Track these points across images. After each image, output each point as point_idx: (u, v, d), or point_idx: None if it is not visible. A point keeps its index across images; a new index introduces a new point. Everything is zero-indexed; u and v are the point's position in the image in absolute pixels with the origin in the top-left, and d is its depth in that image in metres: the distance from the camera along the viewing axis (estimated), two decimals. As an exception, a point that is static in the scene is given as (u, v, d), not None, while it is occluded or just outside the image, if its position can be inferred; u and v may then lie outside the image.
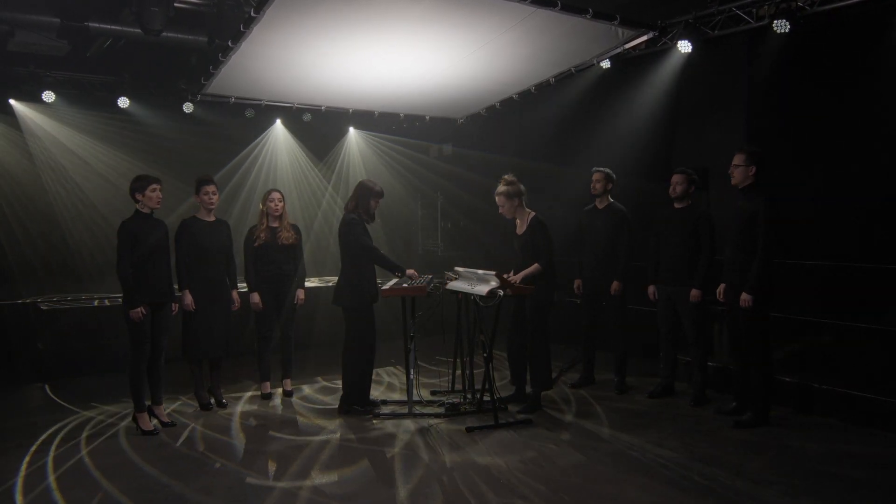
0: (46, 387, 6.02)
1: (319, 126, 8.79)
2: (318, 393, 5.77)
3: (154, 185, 4.67)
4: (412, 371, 5.02)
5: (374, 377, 5.29)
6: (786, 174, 5.27)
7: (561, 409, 5.17)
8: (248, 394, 5.74)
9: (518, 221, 5.18)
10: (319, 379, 6.21)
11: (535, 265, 4.94)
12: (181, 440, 4.55)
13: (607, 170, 5.63)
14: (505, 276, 4.78)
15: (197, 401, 5.29)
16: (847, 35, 5.01)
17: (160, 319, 4.72)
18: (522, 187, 5.08)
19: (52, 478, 3.91)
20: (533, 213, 5.10)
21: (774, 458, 4.06)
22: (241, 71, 6.48)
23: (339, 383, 5.97)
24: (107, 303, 6.80)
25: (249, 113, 8.00)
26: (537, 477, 3.83)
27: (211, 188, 5.17)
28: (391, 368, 6.48)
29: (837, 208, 5.04)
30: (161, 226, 4.80)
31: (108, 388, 5.81)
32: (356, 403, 5.06)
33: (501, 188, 5.07)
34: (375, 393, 5.39)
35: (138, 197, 4.66)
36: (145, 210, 4.68)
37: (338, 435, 4.63)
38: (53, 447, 4.43)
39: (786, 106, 5.38)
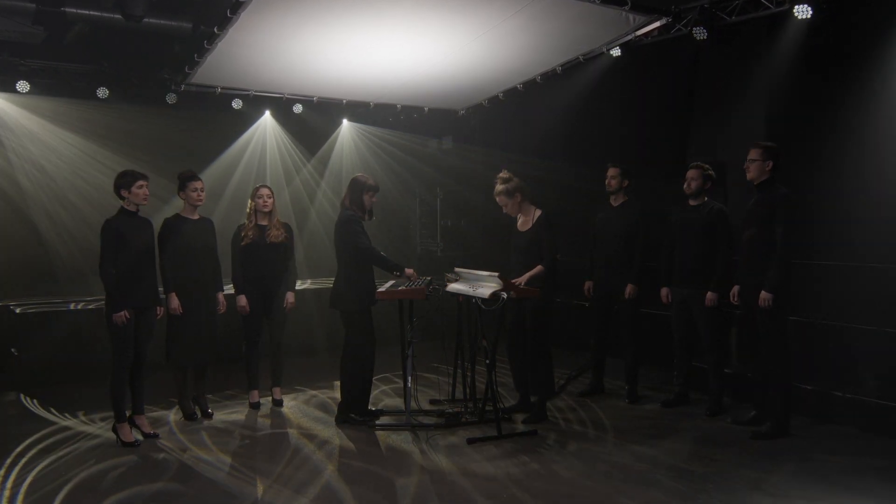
0: (21, 395, 6.04)
1: (311, 118, 8.80)
2: (309, 402, 5.79)
3: (141, 182, 4.69)
4: (410, 379, 5.04)
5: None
6: (806, 168, 5.28)
7: (568, 419, 5.19)
8: (236, 403, 5.76)
9: (522, 218, 5.20)
10: (311, 387, 6.23)
11: (539, 267, 4.95)
12: (163, 452, 4.56)
13: (624, 165, 5.64)
14: (514, 281, 4.80)
15: (181, 410, 5.31)
16: (874, 21, 5.01)
17: (144, 324, 4.74)
18: (521, 182, 5.10)
19: (25, 493, 3.92)
20: (540, 211, 5.11)
21: (794, 471, 4.07)
22: (227, 59, 6.49)
23: (331, 392, 6.00)
24: (87, 306, 6.81)
25: (237, 104, 8.01)
26: (542, 491, 3.85)
27: (199, 184, 5.18)
28: (388, 376, 6.50)
29: (862, 205, 5.05)
30: (148, 225, 4.83)
31: (88, 396, 5.82)
32: (354, 412, 5.07)
33: (499, 187, 5.08)
34: (372, 402, 5.40)
35: (124, 194, 4.67)
36: (131, 208, 4.70)
37: (332, 446, 4.65)
38: (28, 460, 4.44)
39: (807, 96, 5.39)
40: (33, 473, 4.20)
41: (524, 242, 5.11)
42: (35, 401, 5.87)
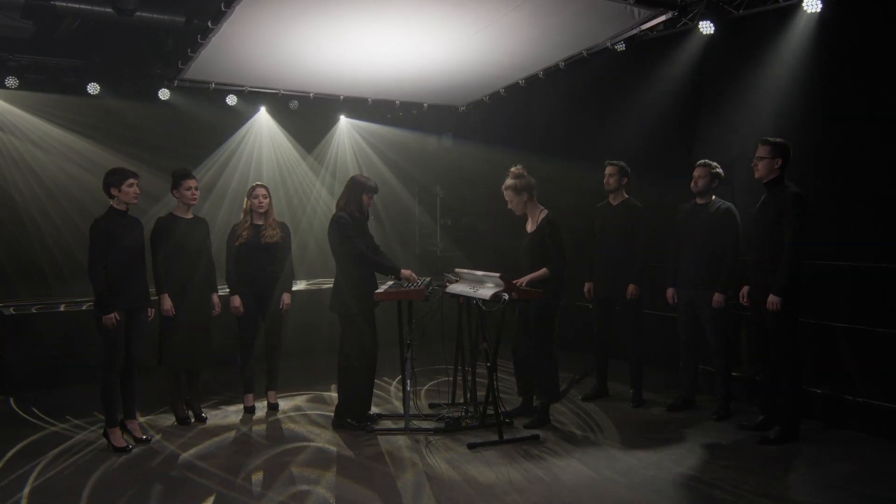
0: (10, 400, 6.03)
1: (308, 114, 8.80)
2: (305, 406, 5.78)
3: (132, 180, 4.68)
4: (409, 382, 5.03)
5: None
6: (816, 166, 5.28)
7: (571, 424, 5.19)
8: (230, 407, 5.74)
9: (528, 218, 5.19)
10: (307, 390, 6.22)
11: (544, 269, 4.94)
12: (156, 458, 4.55)
13: (621, 163, 5.64)
14: (515, 281, 4.79)
15: (174, 415, 5.30)
16: (884, 14, 5.01)
17: (135, 326, 4.73)
18: (532, 180, 5.09)
19: (15, 499, 3.91)
20: (545, 212, 5.10)
21: (804, 478, 4.07)
22: (222, 54, 6.49)
23: (328, 395, 6.00)
24: (77, 308, 6.80)
25: (231, 100, 8.00)
26: (544, 497, 3.84)
27: (192, 182, 5.18)
28: (387, 379, 6.49)
29: (874, 204, 5.05)
30: (137, 224, 4.82)
31: (78, 400, 5.82)
32: (351, 417, 5.06)
33: (509, 182, 5.08)
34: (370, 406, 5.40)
35: (114, 192, 4.66)
36: (121, 207, 4.69)
37: (328, 452, 4.64)
38: (17, 466, 4.43)
39: (817, 92, 5.39)
40: (21, 480, 4.18)
41: (530, 244, 5.10)
42: (24, 405, 5.86)
